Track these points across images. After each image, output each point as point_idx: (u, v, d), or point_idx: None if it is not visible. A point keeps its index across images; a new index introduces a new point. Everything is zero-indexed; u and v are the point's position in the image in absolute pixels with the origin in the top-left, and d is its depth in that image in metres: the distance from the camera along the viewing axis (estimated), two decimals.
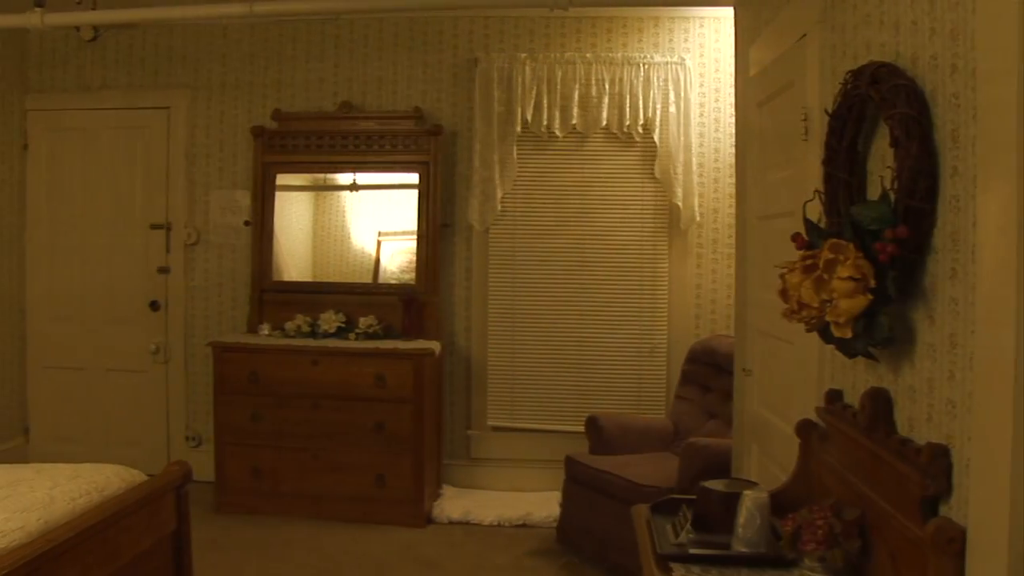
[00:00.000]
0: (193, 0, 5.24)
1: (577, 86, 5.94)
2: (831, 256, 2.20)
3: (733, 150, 5.22)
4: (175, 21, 6.21)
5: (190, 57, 6.46)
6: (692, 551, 2.36)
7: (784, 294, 2.40)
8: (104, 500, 3.09)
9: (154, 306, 6.48)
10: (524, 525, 5.56)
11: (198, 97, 6.46)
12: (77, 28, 6.23)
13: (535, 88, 5.96)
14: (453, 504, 5.77)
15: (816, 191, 2.58)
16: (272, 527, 5.49)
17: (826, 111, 2.55)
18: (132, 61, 6.53)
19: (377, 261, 6.23)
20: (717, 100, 5.98)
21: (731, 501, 2.42)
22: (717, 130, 5.98)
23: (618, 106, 5.93)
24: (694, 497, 2.60)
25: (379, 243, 6.23)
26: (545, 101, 5.96)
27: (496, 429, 6.19)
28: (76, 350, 6.62)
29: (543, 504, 5.73)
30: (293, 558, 5.00)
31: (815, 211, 2.56)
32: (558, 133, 5.96)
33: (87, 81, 6.59)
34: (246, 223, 6.28)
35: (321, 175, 6.41)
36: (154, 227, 6.47)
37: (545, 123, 5.95)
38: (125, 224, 6.53)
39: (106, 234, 6.55)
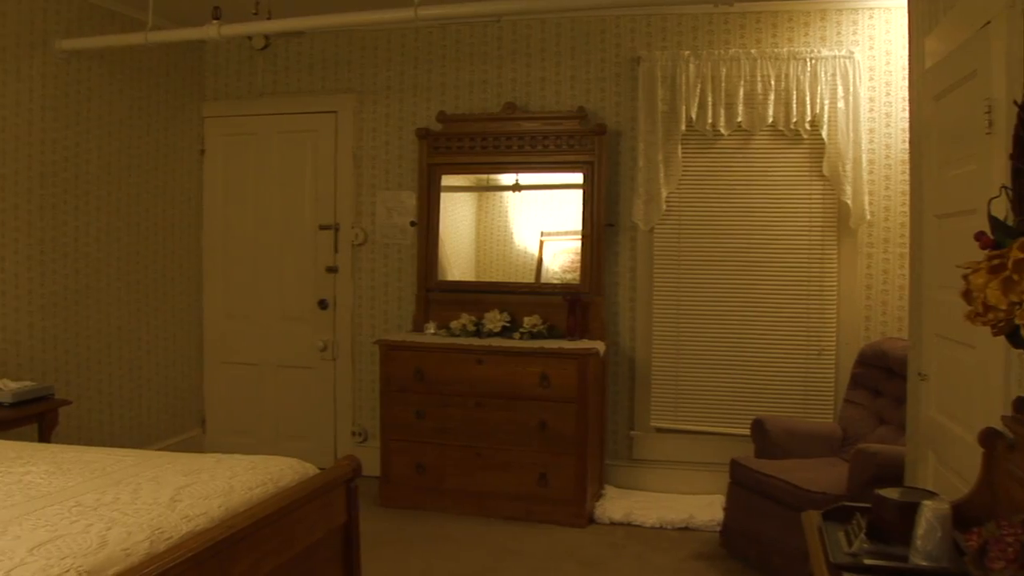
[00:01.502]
0: (360, 7, 5.37)
1: (742, 83, 5.83)
2: (1021, 256, 2.08)
3: (906, 146, 5.04)
4: (342, 27, 6.38)
5: (356, 62, 6.63)
6: (867, 562, 2.27)
7: (968, 296, 2.28)
8: (279, 491, 3.20)
9: (323, 305, 6.68)
10: (686, 528, 5.50)
11: (364, 101, 6.62)
12: (249, 37, 6.47)
13: (699, 86, 5.88)
14: (615, 505, 5.75)
15: (1003, 187, 2.46)
16: (435, 523, 5.58)
17: (1015, 102, 2.42)
18: (301, 67, 6.75)
19: (539, 261, 6.26)
20: (888, 94, 5.77)
21: (908, 511, 2.32)
22: (888, 125, 5.77)
23: (784, 102, 5.80)
24: (868, 505, 2.51)
25: (541, 243, 6.26)
26: (709, 99, 5.87)
27: (659, 430, 6.13)
28: (249, 346, 6.89)
29: (706, 507, 5.66)
30: (455, 554, 5.07)
31: (1001, 208, 2.43)
32: (723, 131, 5.87)
33: (259, 88, 6.85)
34: (412, 223, 6.41)
35: (484, 176, 6.48)
36: (323, 228, 6.67)
37: (710, 121, 5.86)
38: (295, 225, 6.75)
39: (277, 235, 6.79)
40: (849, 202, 5.69)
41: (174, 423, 6.72)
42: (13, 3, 5.35)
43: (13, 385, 5.06)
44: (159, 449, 4.34)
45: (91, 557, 2.37)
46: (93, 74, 5.94)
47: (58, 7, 5.64)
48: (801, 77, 5.76)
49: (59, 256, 5.71)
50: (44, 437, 5.12)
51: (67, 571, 2.26)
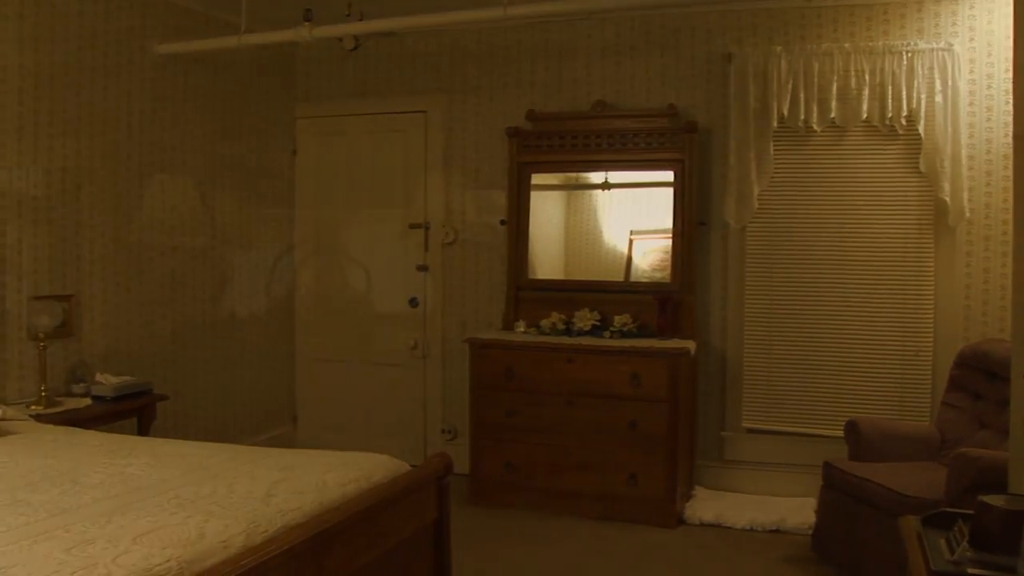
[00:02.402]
0: (449, 6, 5.40)
1: (835, 78, 5.72)
2: None
3: (1009, 140, 4.90)
4: (432, 27, 6.43)
5: (445, 62, 6.67)
6: (971, 571, 2.21)
7: None
8: (372, 487, 3.23)
9: (413, 303, 6.74)
10: (777, 531, 5.42)
11: (454, 100, 6.66)
12: (340, 39, 6.55)
13: (791, 82, 5.79)
14: (705, 506, 5.69)
15: None
16: (523, 521, 5.58)
17: None
18: (391, 68, 6.82)
19: (629, 259, 6.22)
20: (989, 87, 5.60)
21: (1015, 519, 2.25)
22: (989, 119, 5.60)
23: (879, 98, 5.67)
24: (970, 512, 2.44)
25: (631, 241, 6.23)
26: (802, 95, 5.77)
27: (751, 431, 6.05)
28: (340, 344, 6.98)
29: (798, 510, 5.57)
30: (543, 552, 5.07)
31: None
32: (816, 127, 5.77)
33: (349, 88, 6.94)
34: (502, 222, 6.42)
35: (574, 174, 6.47)
36: (413, 227, 6.72)
37: (802, 117, 5.77)
38: (386, 224, 6.83)
39: (368, 234, 6.87)
40: (947, 199, 5.54)
41: (266, 419, 6.85)
42: (114, 10, 5.50)
43: (114, 380, 5.21)
44: (252, 445, 4.45)
45: (190, 548, 2.43)
46: (189, 77, 6.08)
47: (156, 13, 5.79)
48: (897, 71, 5.63)
49: (156, 255, 5.86)
50: (143, 431, 5.26)
51: (168, 560, 2.32)
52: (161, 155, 5.87)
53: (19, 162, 4.98)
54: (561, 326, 5.98)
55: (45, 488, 2.97)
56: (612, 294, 6.13)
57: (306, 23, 5.57)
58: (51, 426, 4.27)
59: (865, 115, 5.68)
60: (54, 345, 5.11)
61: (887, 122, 5.67)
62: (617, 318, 5.91)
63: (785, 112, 5.78)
